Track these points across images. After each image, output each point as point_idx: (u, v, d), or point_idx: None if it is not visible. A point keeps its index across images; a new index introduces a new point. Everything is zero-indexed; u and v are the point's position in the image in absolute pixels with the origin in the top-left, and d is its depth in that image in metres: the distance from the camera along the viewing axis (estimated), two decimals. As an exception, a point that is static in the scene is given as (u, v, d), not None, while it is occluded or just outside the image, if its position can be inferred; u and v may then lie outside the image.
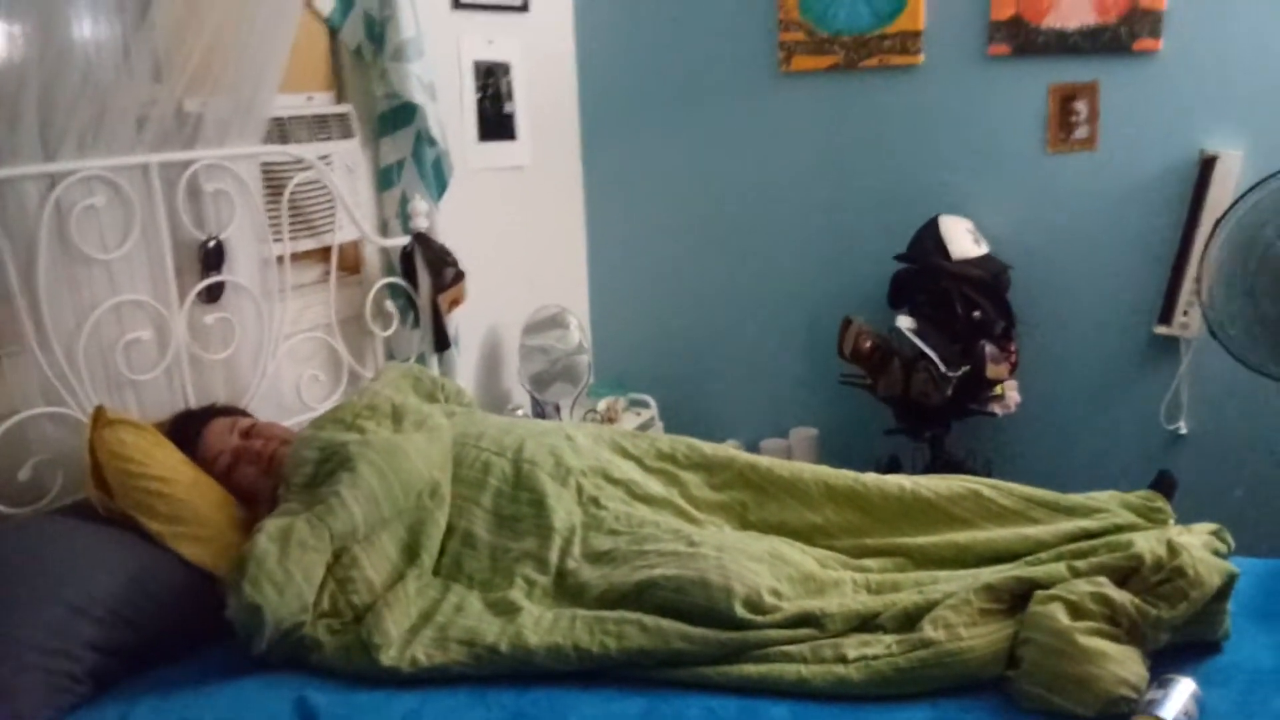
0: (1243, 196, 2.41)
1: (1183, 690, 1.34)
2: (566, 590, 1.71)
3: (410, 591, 1.70)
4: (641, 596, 1.61)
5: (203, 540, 1.74)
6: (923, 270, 2.88)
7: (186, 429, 1.94)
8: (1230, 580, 1.50)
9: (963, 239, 2.87)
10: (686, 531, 1.78)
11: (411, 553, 1.76)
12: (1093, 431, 3.05)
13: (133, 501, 1.75)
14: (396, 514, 1.76)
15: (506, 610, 1.65)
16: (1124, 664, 1.38)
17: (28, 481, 1.81)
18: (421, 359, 2.62)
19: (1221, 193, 2.70)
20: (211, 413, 2.01)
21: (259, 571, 1.55)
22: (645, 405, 3.39)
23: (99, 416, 1.80)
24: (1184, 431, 2.93)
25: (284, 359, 2.30)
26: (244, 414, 2.07)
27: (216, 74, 2.02)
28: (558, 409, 3.08)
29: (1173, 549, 1.52)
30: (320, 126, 2.40)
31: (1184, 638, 1.49)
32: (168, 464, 1.81)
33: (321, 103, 2.49)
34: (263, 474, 1.89)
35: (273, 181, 2.27)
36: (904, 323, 2.82)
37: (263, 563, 1.56)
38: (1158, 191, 2.85)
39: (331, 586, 1.66)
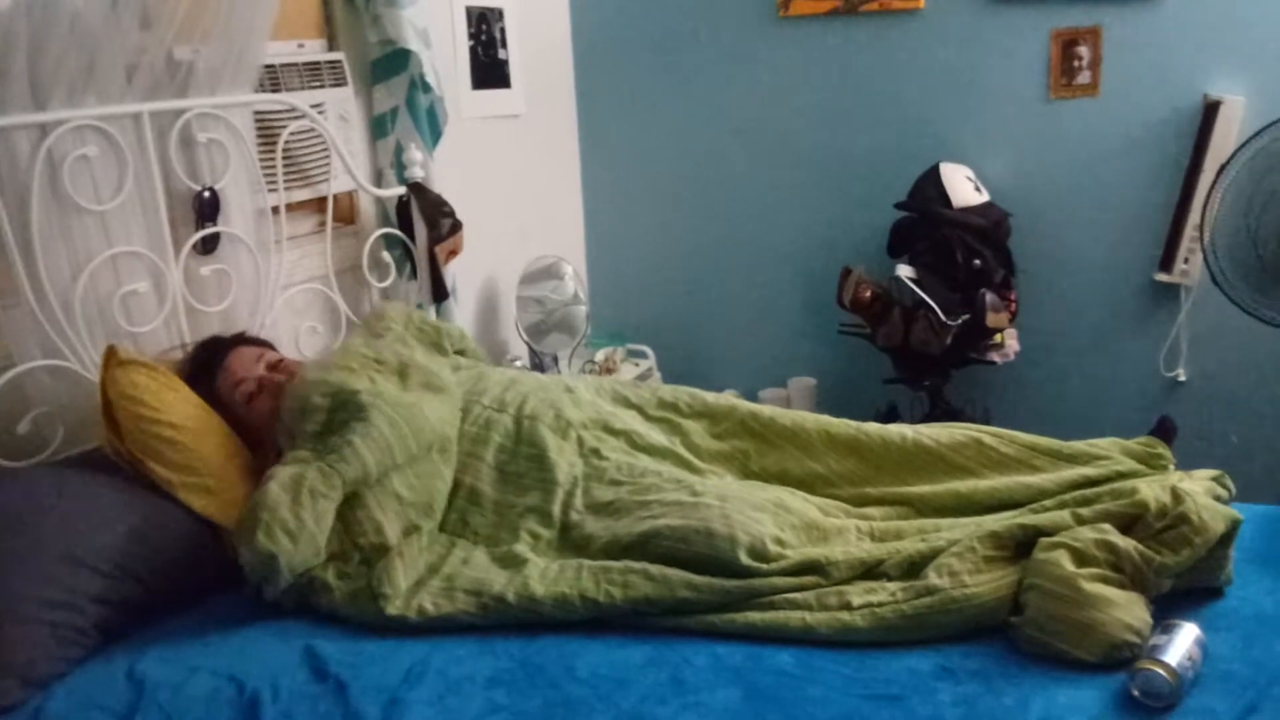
0: (1246, 143, 2.39)
1: (1186, 635, 1.35)
2: (571, 542, 1.72)
3: (422, 544, 1.70)
4: (646, 546, 1.62)
5: (212, 491, 1.74)
6: (923, 218, 2.87)
7: (212, 354, 1.92)
8: (1234, 526, 1.51)
9: (963, 187, 2.85)
10: (689, 481, 1.78)
11: (423, 504, 1.75)
12: (1092, 379, 3.06)
13: (142, 446, 1.73)
14: (409, 462, 1.76)
15: (512, 563, 1.65)
16: (1128, 610, 1.39)
17: (28, 434, 1.80)
18: (419, 310, 2.60)
19: (1224, 139, 2.68)
20: (240, 340, 2.01)
21: (272, 520, 1.55)
22: (643, 356, 3.38)
23: (111, 356, 1.78)
24: (1183, 379, 2.94)
25: (281, 310, 2.28)
26: (271, 347, 2.06)
27: (206, 21, 1.97)
28: (555, 360, 3.07)
29: (1177, 495, 1.53)
30: (313, 74, 2.35)
31: (1187, 583, 1.50)
32: (180, 410, 1.79)
33: (313, 50, 2.44)
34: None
35: (266, 131, 2.23)
36: (904, 271, 2.80)
37: (276, 511, 1.56)
38: (1160, 138, 2.83)
39: (339, 528, 1.66)
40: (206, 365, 1.91)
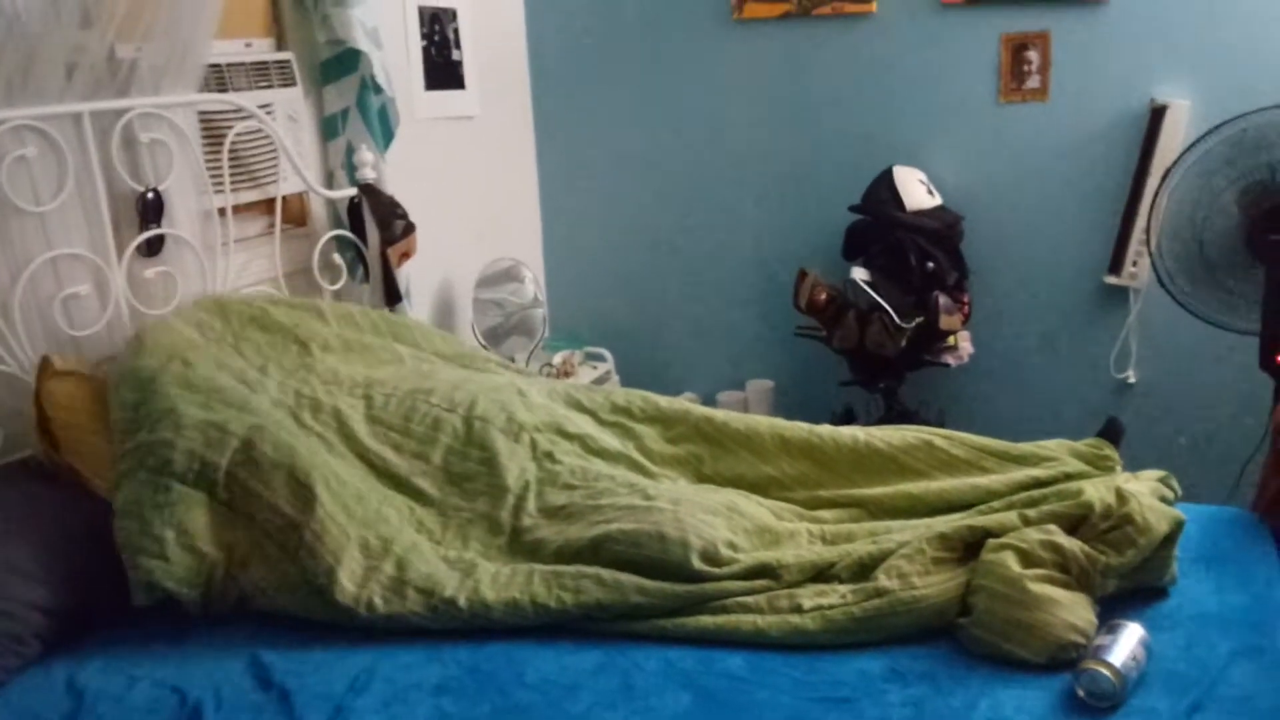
0: (1191, 146, 2.43)
1: (1130, 635, 1.36)
2: (523, 546, 1.70)
3: (338, 513, 1.63)
4: (598, 551, 1.61)
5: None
6: (877, 221, 2.88)
7: None
8: (1178, 527, 1.53)
9: (916, 190, 2.87)
10: (642, 485, 1.77)
11: (300, 469, 1.67)
12: (1043, 381, 3.09)
13: (79, 456, 1.72)
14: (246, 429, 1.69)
15: (463, 565, 1.63)
16: (1073, 610, 1.41)
17: (-35, 441, 1.77)
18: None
19: (1171, 142, 2.72)
20: None
21: (131, 551, 1.54)
22: (601, 359, 3.37)
23: (45, 367, 1.76)
24: (1132, 380, 2.98)
25: (229, 314, 2.24)
26: None
27: (148, 19, 1.93)
28: (513, 362, 3.05)
29: (1121, 496, 1.54)
30: (260, 74, 2.32)
31: (1132, 584, 1.52)
32: None
33: (261, 49, 2.40)
34: None
35: (212, 131, 2.20)
36: (858, 274, 2.82)
37: (129, 540, 1.55)
38: (1108, 141, 2.87)
39: (240, 524, 1.62)
40: None
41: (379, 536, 1.63)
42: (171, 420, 1.65)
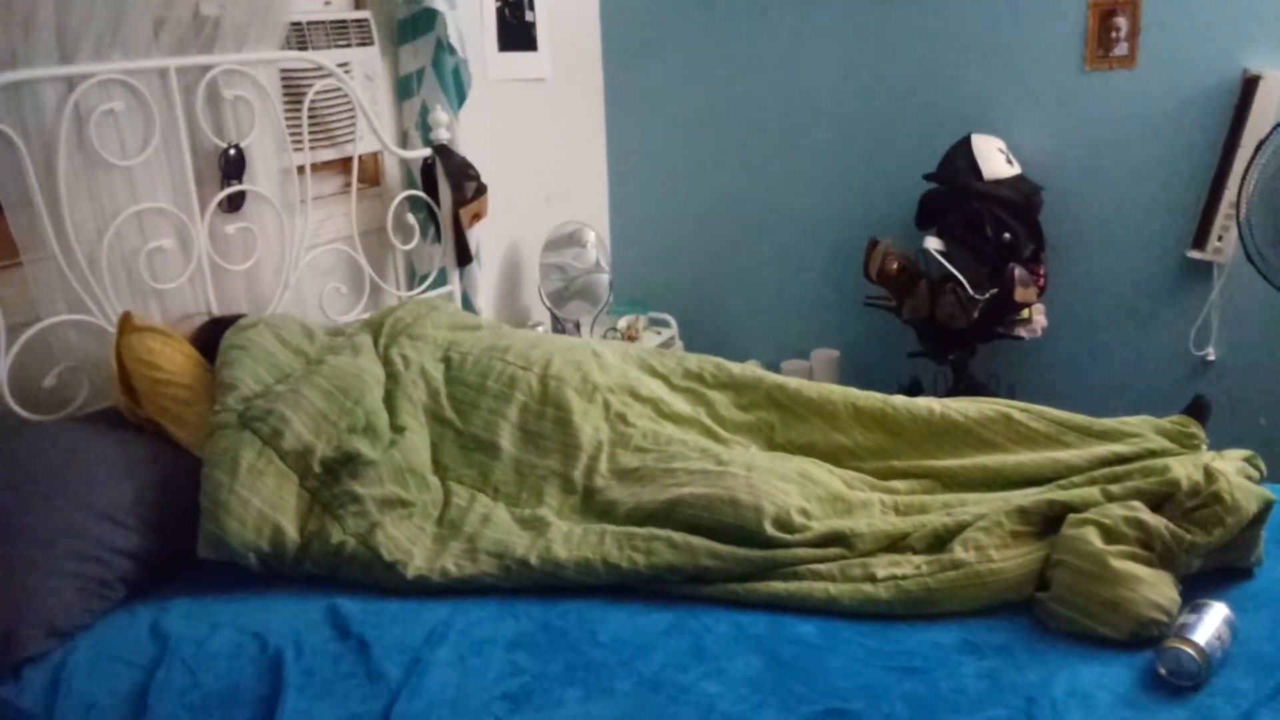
0: (1287, 118, 2.34)
1: (1215, 615, 1.33)
2: (595, 507, 1.71)
3: (414, 511, 1.69)
4: (671, 514, 1.61)
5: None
6: (953, 191, 2.82)
7: (216, 335, 1.92)
8: (1267, 507, 1.49)
9: (995, 159, 2.80)
10: (714, 450, 1.77)
11: (398, 470, 1.73)
12: (1119, 357, 3.02)
13: (159, 408, 1.75)
14: (346, 418, 1.74)
15: (536, 525, 1.65)
16: (1157, 588, 1.38)
17: (53, 389, 1.81)
18: (443, 274, 2.59)
19: (1263, 114, 2.62)
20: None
21: (213, 505, 1.57)
22: (665, 324, 3.36)
23: (125, 322, 1.79)
24: (1212, 358, 2.89)
25: (306, 271, 2.28)
26: None
27: (233, -24, 1.95)
28: (577, 327, 3.06)
29: (1210, 474, 1.51)
30: (339, 33, 2.33)
31: (1216, 563, 1.48)
32: (194, 373, 1.81)
33: (340, 7, 2.42)
34: None
35: (292, 89, 2.21)
36: (932, 244, 2.76)
37: (214, 494, 1.58)
38: (1197, 112, 2.77)
39: (316, 507, 1.66)
40: (209, 349, 1.89)
41: (449, 523, 1.67)
42: (294, 398, 1.70)
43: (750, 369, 2.01)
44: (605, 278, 3.06)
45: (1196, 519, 1.47)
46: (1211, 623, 1.32)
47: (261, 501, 1.59)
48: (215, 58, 1.99)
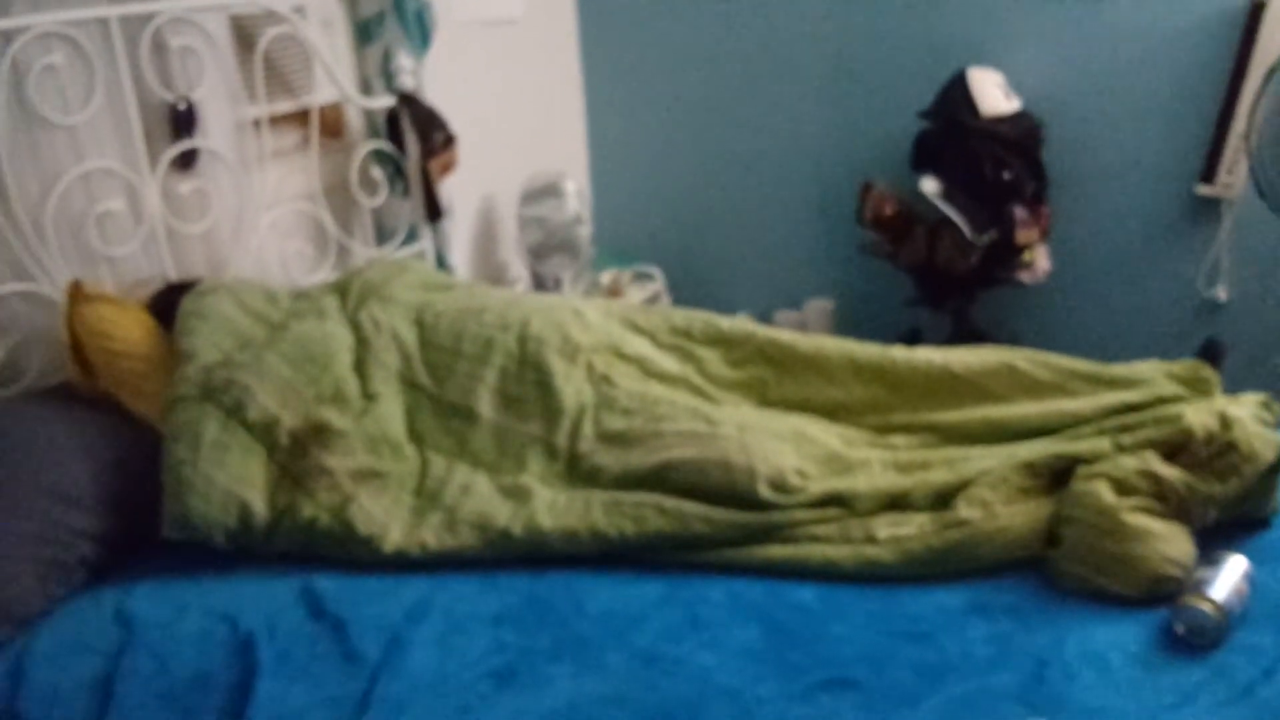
0: (1295, 43, 2.24)
1: (1234, 568, 1.30)
2: (580, 473, 1.65)
3: (389, 482, 1.63)
4: (660, 478, 1.56)
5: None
6: (949, 129, 2.72)
7: (173, 302, 1.85)
8: (1286, 454, 1.43)
9: (993, 94, 2.70)
10: (704, 410, 1.70)
11: (369, 438, 1.67)
12: (1125, 299, 2.94)
13: (116, 381, 1.70)
14: (313, 387, 1.68)
15: (518, 494, 1.59)
16: (1171, 542, 1.34)
17: (3, 363, 1.74)
18: (413, 230, 2.49)
19: (1271, 40, 2.52)
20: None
21: (175, 480, 1.52)
22: (651, 277, 3.28)
23: (76, 291, 1.73)
24: (1222, 298, 2.82)
25: (267, 231, 2.18)
26: None
27: (175, -84, 1.84)
28: (558, 283, 2.97)
29: (1225, 421, 1.46)
30: (295, -24, 2.20)
31: (1233, 514, 1.44)
32: (151, 343, 1.74)
33: (295, -51, 2.29)
34: None
35: (244, 38, 2.10)
36: (928, 186, 2.67)
37: (176, 471, 1.52)
38: (1203, 39, 2.66)
39: (287, 481, 1.59)
40: (165, 317, 1.82)
41: (427, 494, 1.61)
42: (257, 367, 1.65)
43: (741, 323, 1.93)
44: (586, 230, 2.97)
45: (1212, 468, 1.42)
46: (1229, 577, 1.28)
47: (227, 477, 1.53)
48: (159, 5, 1.88)
